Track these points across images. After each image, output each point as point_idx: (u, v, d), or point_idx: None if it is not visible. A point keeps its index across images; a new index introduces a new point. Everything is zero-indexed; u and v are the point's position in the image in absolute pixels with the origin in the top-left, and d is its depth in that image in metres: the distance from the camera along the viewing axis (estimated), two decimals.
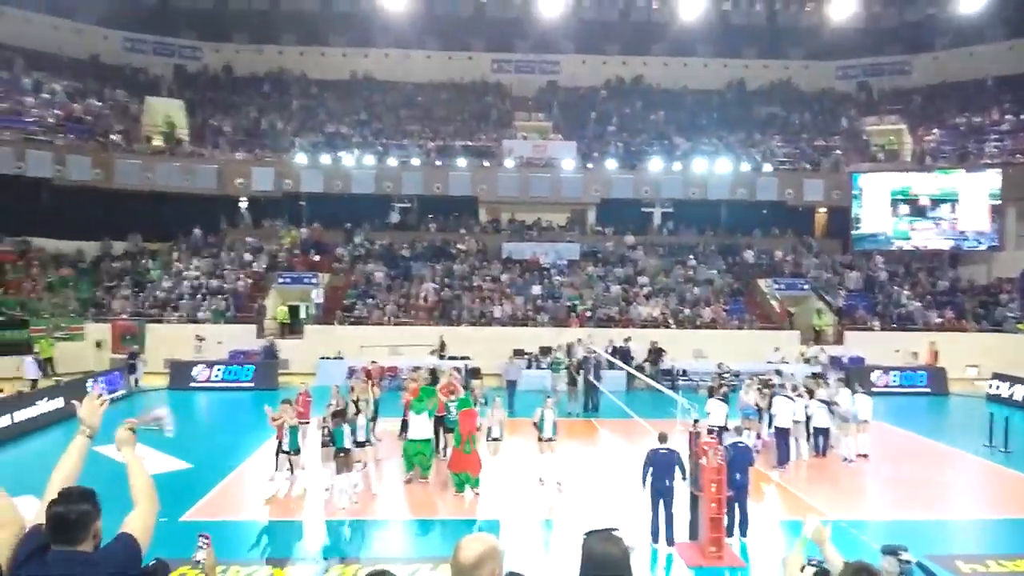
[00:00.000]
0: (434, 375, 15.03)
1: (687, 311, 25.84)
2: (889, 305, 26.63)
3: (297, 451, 11.82)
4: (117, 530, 3.09)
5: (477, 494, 11.62)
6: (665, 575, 9.17)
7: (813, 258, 29.67)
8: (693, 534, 9.81)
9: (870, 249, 29.60)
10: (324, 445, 11.72)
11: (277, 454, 11.80)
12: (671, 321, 25.35)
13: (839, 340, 24.87)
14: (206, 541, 4.04)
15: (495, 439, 12.41)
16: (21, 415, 15.58)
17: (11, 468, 12.53)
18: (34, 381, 19.00)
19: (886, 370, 22.39)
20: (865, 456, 14.28)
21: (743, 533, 10.00)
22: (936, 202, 28.80)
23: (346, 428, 11.27)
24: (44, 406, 16.20)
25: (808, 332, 25.49)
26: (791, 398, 14.23)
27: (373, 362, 18.92)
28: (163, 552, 4.02)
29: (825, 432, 14.55)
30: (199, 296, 25.63)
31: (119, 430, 3.48)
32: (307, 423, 13.02)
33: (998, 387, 20.48)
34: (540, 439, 12.37)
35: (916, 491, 12.48)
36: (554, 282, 27.48)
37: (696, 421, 10.53)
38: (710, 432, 10.56)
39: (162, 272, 27.09)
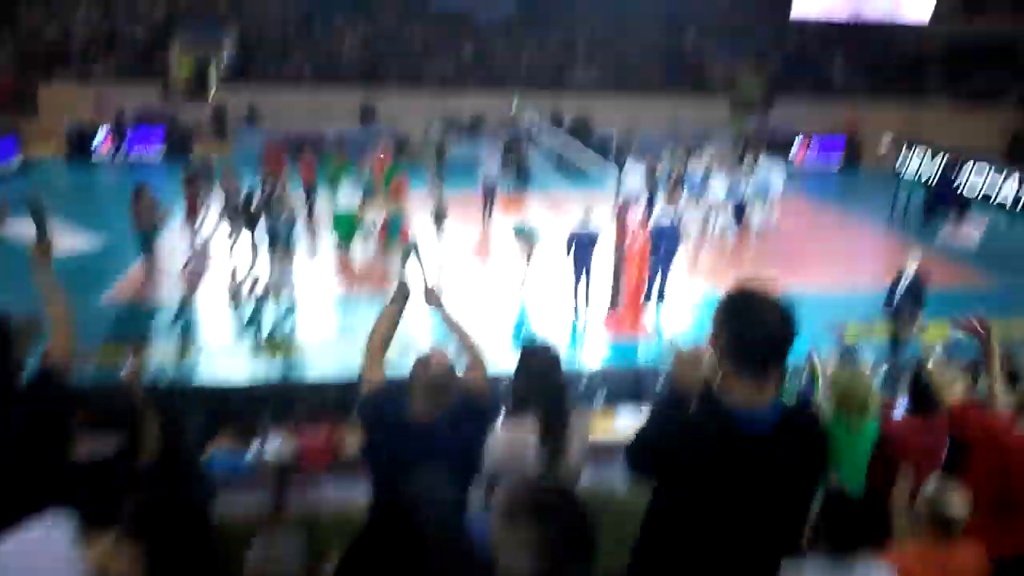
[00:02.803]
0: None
1: (624, 76, 24.93)
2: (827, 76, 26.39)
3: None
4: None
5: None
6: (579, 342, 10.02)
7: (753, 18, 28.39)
8: (613, 302, 10.50)
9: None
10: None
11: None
12: (607, 87, 24.50)
13: (766, 108, 24.78)
14: (135, 352, 4.16)
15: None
16: None
17: None
18: None
19: (807, 137, 23.04)
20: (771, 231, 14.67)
21: (660, 299, 10.82)
22: None
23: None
24: None
25: (738, 98, 25.12)
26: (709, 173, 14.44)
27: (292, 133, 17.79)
28: (87, 336, 3.91)
29: (745, 207, 14.68)
30: (91, 49, 23.00)
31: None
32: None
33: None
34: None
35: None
36: (486, 43, 25.76)
37: (624, 198, 10.74)
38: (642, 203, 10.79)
39: (45, 21, 23.83)
